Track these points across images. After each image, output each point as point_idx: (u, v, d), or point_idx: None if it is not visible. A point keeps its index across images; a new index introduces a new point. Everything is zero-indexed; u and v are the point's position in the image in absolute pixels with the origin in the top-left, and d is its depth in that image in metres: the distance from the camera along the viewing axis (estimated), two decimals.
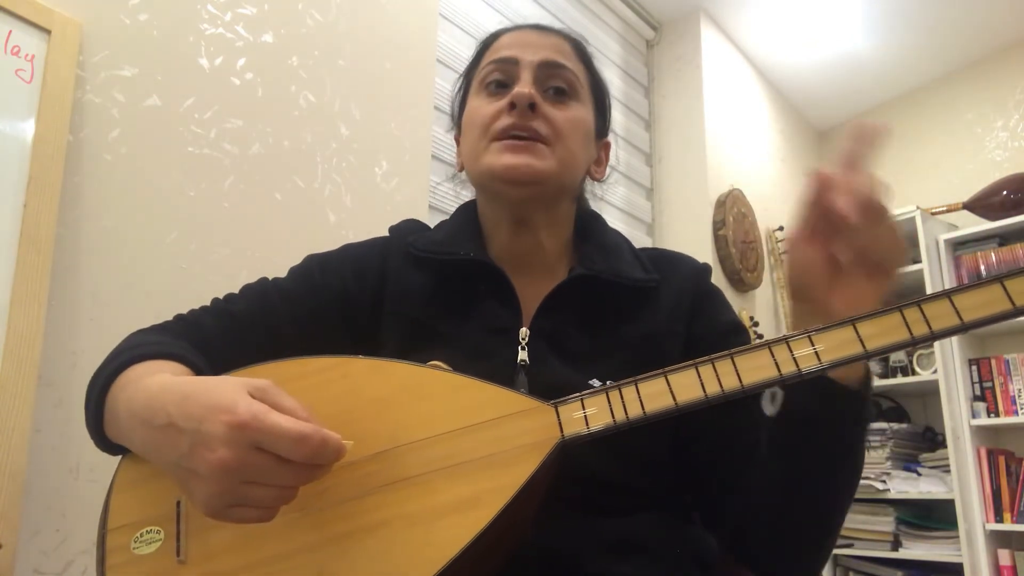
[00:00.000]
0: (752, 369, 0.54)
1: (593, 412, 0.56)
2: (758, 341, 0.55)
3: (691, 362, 0.55)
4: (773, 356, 0.53)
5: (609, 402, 0.56)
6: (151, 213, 1.26)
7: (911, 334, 0.51)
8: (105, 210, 1.20)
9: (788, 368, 0.53)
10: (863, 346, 0.52)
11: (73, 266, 1.14)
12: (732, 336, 0.78)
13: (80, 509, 1.09)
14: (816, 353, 0.53)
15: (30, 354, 1.03)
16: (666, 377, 0.55)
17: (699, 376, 0.54)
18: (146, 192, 1.25)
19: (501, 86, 0.81)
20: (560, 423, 0.56)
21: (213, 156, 1.36)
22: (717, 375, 0.54)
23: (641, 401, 0.55)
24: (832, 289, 0.58)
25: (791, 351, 0.53)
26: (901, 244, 0.57)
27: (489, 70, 0.82)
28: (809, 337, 0.53)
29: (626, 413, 0.55)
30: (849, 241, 0.57)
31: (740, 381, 0.53)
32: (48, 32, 1.13)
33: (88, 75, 1.21)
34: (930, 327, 0.51)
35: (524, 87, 0.77)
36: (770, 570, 0.70)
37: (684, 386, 0.54)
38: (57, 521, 1.08)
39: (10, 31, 1.09)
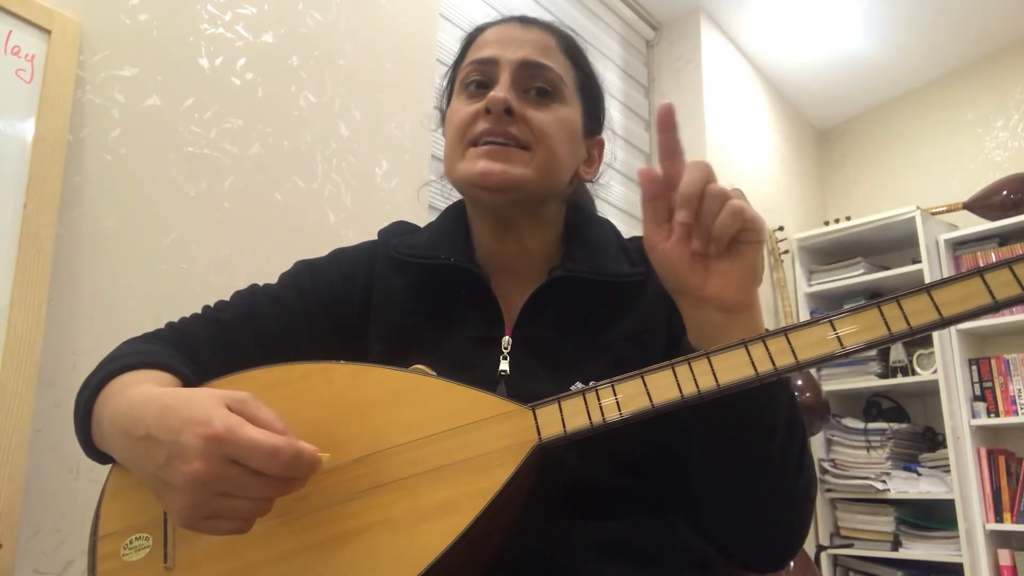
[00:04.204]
0: (728, 368, 0.53)
1: (570, 414, 0.56)
2: (734, 341, 0.54)
3: (668, 362, 0.55)
4: (749, 355, 0.53)
5: (586, 404, 0.56)
6: (151, 213, 1.26)
7: (889, 330, 0.50)
8: (105, 210, 1.20)
9: (764, 367, 0.52)
10: (840, 343, 0.52)
11: (73, 266, 1.14)
12: None
13: (80, 509, 1.09)
14: (793, 351, 0.52)
15: (30, 354, 1.03)
16: (643, 378, 0.55)
17: (675, 376, 0.54)
18: (146, 192, 1.26)
19: (481, 87, 0.78)
20: (537, 426, 0.56)
21: (213, 156, 1.36)
22: (693, 375, 0.54)
23: (618, 403, 0.55)
24: (704, 276, 0.60)
25: (767, 349, 0.53)
26: (748, 216, 0.58)
27: (469, 70, 0.79)
28: (786, 335, 0.53)
29: (603, 415, 0.55)
30: (697, 228, 0.59)
31: (716, 381, 0.53)
32: (48, 32, 1.13)
33: (88, 75, 1.21)
34: (909, 323, 0.50)
35: (500, 91, 0.74)
36: (742, 560, 0.70)
37: (660, 387, 0.54)
38: (57, 521, 1.08)
39: (10, 31, 1.09)
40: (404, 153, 1.73)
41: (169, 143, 1.30)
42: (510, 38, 0.79)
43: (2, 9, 1.09)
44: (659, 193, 0.61)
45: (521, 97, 0.76)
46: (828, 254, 3.30)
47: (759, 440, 0.61)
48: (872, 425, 2.87)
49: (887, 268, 3.07)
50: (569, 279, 0.76)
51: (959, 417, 2.68)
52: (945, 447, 2.70)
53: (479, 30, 0.84)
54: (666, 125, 0.60)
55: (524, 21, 0.82)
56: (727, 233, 0.58)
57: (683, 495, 0.70)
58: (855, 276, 3.04)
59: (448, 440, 0.57)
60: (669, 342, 0.75)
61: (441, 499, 0.55)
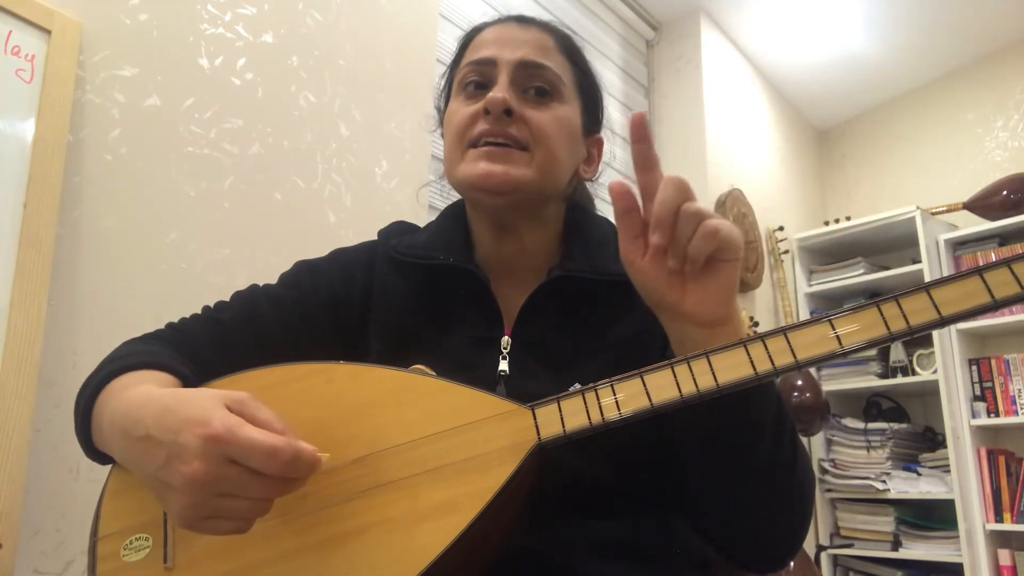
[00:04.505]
0: (727, 368, 0.53)
1: (569, 414, 0.56)
2: (734, 340, 0.54)
3: (667, 362, 0.55)
4: (748, 354, 0.53)
5: (585, 404, 0.56)
6: (151, 213, 1.26)
7: (888, 329, 0.50)
8: (105, 210, 1.20)
9: (763, 366, 0.52)
10: (839, 343, 0.51)
11: (73, 266, 1.14)
12: None
13: (80, 509, 1.09)
14: (792, 350, 0.52)
15: (30, 354, 1.03)
16: (642, 378, 0.55)
17: (675, 376, 0.54)
18: (146, 192, 1.26)
19: (479, 87, 0.78)
20: (537, 425, 0.56)
21: (213, 156, 1.36)
22: (692, 375, 0.54)
23: (617, 403, 0.55)
24: (681, 293, 0.59)
25: (767, 348, 0.53)
26: (723, 236, 0.57)
27: (467, 71, 0.79)
28: (785, 334, 0.53)
29: (602, 415, 0.55)
30: (672, 249, 0.58)
31: (715, 380, 0.53)
32: (48, 32, 1.13)
33: (88, 75, 1.21)
34: (908, 322, 0.50)
35: (499, 91, 0.74)
36: (742, 560, 0.70)
37: (659, 387, 0.54)
38: (57, 521, 1.08)
39: (10, 31, 1.09)
40: (404, 153, 1.73)
41: (169, 143, 1.30)
42: (508, 38, 0.79)
43: (2, 9, 1.09)
44: (633, 207, 0.59)
45: (520, 97, 0.76)
46: (828, 254, 3.30)
47: (748, 436, 0.61)
48: (872, 425, 2.87)
49: (887, 268, 3.07)
50: (568, 279, 0.76)
51: (959, 417, 2.68)
52: (945, 447, 2.70)
53: (476, 30, 0.84)
54: (639, 136, 0.59)
55: (522, 20, 0.82)
56: (702, 254, 0.57)
57: (683, 495, 0.70)
58: (855, 276, 3.04)
59: (447, 440, 0.57)
60: (667, 343, 0.74)
61: (440, 499, 0.55)
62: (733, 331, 0.60)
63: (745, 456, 0.62)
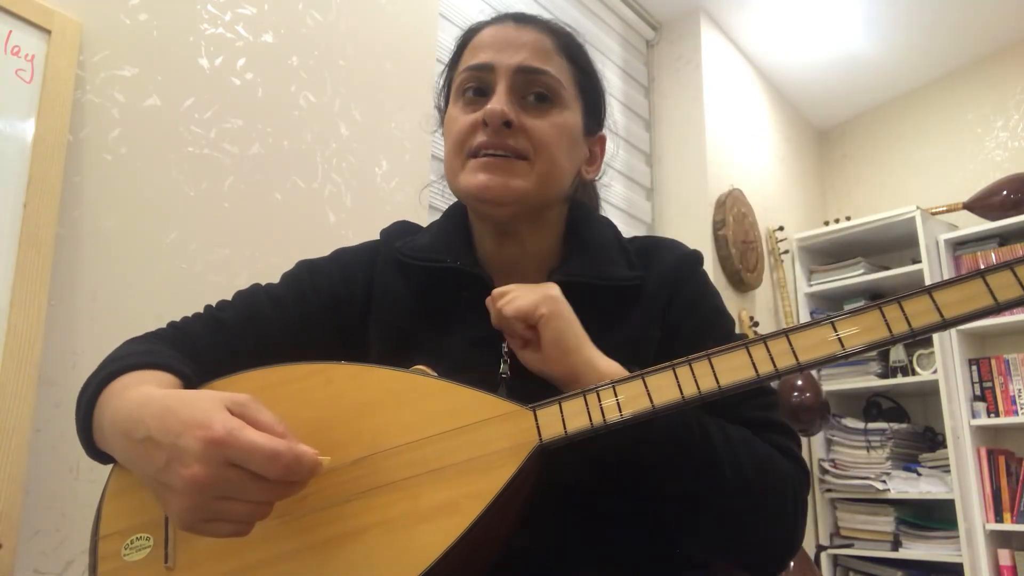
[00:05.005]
0: (730, 370, 0.53)
1: (571, 415, 0.56)
2: (736, 342, 0.54)
3: (668, 363, 0.55)
4: (751, 356, 0.53)
5: (587, 405, 0.56)
6: (151, 213, 1.26)
7: (891, 332, 0.50)
8: (105, 210, 1.20)
9: (765, 368, 0.52)
10: (841, 345, 0.51)
11: (73, 266, 1.14)
12: (703, 321, 0.75)
13: (80, 509, 1.09)
14: (794, 352, 0.52)
15: (30, 354, 1.03)
16: (643, 379, 0.55)
17: (676, 377, 0.54)
18: (146, 192, 1.25)
19: (478, 93, 0.77)
20: (538, 427, 0.56)
21: (213, 156, 1.36)
22: (694, 376, 0.54)
23: (619, 404, 0.55)
24: (541, 363, 0.68)
25: (769, 351, 0.53)
26: (515, 316, 0.68)
27: (465, 77, 0.78)
28: (787, 336, 0.53)
29: (603, 416, 0.55)
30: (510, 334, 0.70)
31: (717, 382, 0.53)
32: (48, 32, 1.13)
33: (88, 75, 1.21)
34: (910, 324, 0.50)
35: (497, 103, 0.73)
36: (740, 564, 0.70)
37: (661, 388, 0.54)
38: (57, 521, 1.08)
39: (10, 31, 1.09)
40: (404, 153, 1.73)
41: (169, 143, 1.30)
42: (506, 41, 0.77)
43: (2, 9, 1.09)
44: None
45: (519, 104, 0.75)
46: (828, 254, 3.30)
47: (659, 451, 0.62)
48: (872, 425, 2.87)
49: (887, 268, 3.06)
50: (567, 283, 0.76)
51: (959, 417, 2.68)
52: (945, 447, 2.70)
53: (473, 31, 0.83)
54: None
55: (519, 20, 0.80)
56: (516, 334, 0.69)
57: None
58: (855, 276, 3.04)
59: (448, 441, 0.57)
60: (663, 340, 0.75)
61: (441, 500, 0.55)
62: (590, 362, 0.66)
63: (680, 465, 0.62)
